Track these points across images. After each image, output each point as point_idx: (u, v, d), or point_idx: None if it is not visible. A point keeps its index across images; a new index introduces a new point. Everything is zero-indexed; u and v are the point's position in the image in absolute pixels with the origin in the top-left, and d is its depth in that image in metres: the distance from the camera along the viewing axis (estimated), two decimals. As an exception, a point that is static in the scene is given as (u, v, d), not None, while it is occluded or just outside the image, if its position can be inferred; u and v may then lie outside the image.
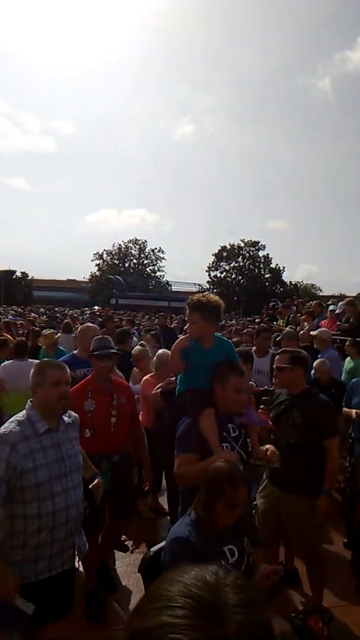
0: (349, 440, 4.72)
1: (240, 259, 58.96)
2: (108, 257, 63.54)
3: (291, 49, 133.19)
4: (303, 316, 9.55)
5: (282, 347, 4.58)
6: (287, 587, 3.64)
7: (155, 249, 64.25)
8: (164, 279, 62.74)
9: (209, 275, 59.35)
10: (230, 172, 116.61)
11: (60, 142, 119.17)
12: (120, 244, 64.21)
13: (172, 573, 0.64)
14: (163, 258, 64.03)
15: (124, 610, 3.42)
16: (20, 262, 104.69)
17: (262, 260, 58.55)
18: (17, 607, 2.06)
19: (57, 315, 20.90)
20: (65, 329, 10.01)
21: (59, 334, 9.09)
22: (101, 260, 62.96)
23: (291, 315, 10.54)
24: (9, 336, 8.46)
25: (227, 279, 58.60)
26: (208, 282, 58.18)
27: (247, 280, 57.23)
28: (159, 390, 4.42)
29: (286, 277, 59.21)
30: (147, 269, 64.11)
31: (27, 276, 60.65)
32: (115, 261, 63.37)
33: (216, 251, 59.67)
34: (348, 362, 6.49)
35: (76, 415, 2.73)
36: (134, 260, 64.60)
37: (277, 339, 6.94)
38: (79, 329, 4.60)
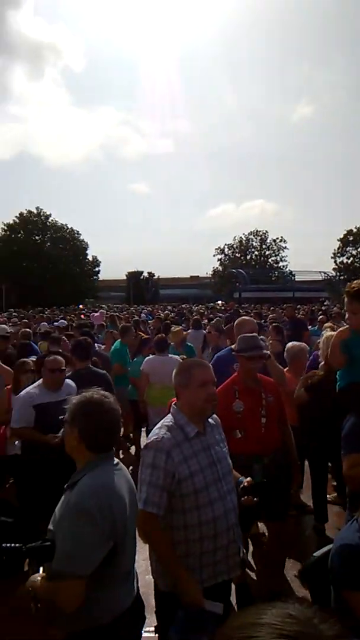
0: None
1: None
2: (229, 251, 63.80)
3: None
4: None
5: None
6: None
7: (277, 239, 63.00)
8: (287, 269, 61.13)
9: (335, 262, 56.47)
10: (353, 151, 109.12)
11: (177, 142, 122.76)
12: (241, 237, 64.07)
13: (244, 617, 0.59)
14: (285, 247, 62.55)
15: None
16: (146, 263, 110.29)
17: None
18: (206, 611, 2.03)
19: (184, 311, 21.37)
20: (195, 325, 10.07)
21: (187, 331, 9.18)
22: (223, 255, 63.42)
23: None
24: (143, 334, 8.73)
25: (355, 264, 55.07)
26: (334, 269, 55.38)
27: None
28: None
29: None
30: (270, 260, 63.04)
31: (154, 276, 63.50)
32: (237, 254, 63.35)
33: (341, 236, 56.46)
34: None
35: (215, 415, 2.57)
36: (256, 252, 63.98)
37: None
38: (235, 322, 4.45)
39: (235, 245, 63.88)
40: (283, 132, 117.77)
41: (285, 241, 62.38)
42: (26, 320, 14.79)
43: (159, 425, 2.35)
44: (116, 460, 2.01)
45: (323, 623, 0.57)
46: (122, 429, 6.33)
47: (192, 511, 2.17)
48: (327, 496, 4.47)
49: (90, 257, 63.11)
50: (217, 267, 61.92)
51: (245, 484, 2.47)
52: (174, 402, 2.43)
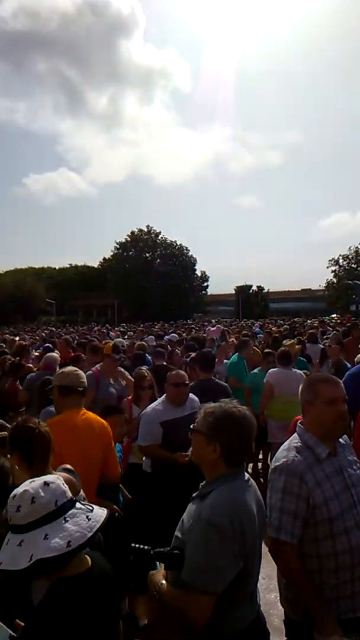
0: None
1: None
2: (344, 262, 60.76)
3: None
4: None
5: None
6: None
7: None
8: None
9: None
10: None
11: (287, 153, 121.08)
12: (357, 247, 60.73)
13: None
14: None
15: None
16: (254, 277, 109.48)
17: None
18: None
19: (297, 325, 20.72)
20: (311, 339, 9.70)
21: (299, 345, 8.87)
22: (337, 266, 60.58)
23: None
24: (256, 349, 8.61)
25: None
26: None
27: None
28: None
29: None
30: (389, 270, 58.84)
31: (263, 289, 62.80)
32: (353, 265, 60.12)
33: None
34: None
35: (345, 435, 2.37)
36: (374, 262, 60.13)
37: None
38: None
39: (350, 256, 60.71)
40: None
41: None
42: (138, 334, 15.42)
43: (285, 446, 2.23)
44: (246, 475, 1.94)
45: None
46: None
47: (326, 540, 2.02)
48: None
49: (198, 273, 64.45)
50: (330, 279, 59.37)
51: None
52: (299, 421, 2.30)
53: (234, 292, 62.76)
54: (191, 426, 1.97)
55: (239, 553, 1.71)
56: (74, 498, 1.41)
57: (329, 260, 60.88)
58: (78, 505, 1.38)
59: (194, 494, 1.91)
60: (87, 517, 1.35)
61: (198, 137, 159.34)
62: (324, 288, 59.59)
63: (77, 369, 3.19)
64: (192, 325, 24.77)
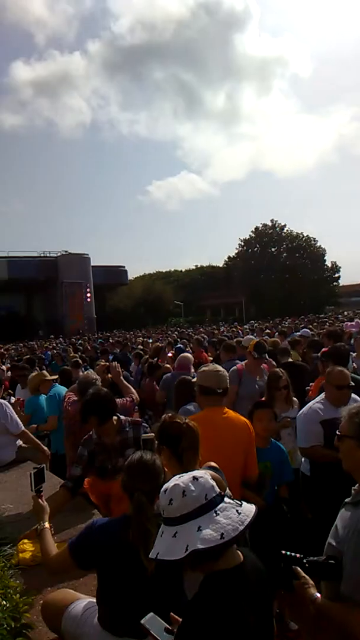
0: None
1: None
2: None
3: None
4: None
5: None
6: None
7: None
8: None
9: None
10: None
11: None
12: None
13: None
14: None
15: None
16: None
17: None
18: None
19: None
20: None
21: None
22: None
23: None
24: None
25: None
26: None
27: None
28: None
29: None
30: None
31: None
32: None
33: None
34: None
35: None
36: None
37: None
38: None
39: None
40: None
41: None
42: (268, 331, 15.23)
43: None
44: None
45: None
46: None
47: None
48: None
49: (329, 263, 61.62)
50: None
51: None
52: None
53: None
54: (337, 432, 1.89)
55: None
56: (222, 493, 1.43)
57: None
58: (227, 499, 1.40)
59: (346, 500, 1.82)
60: (237, 511, 1.37)
61: (320, 121, 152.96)
62: None
63: (219, 368, 3.23)
64: (325, 319, 23.76)
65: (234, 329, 20.76)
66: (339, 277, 62.43)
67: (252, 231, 63.96)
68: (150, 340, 16.77)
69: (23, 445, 5.07)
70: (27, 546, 2.94)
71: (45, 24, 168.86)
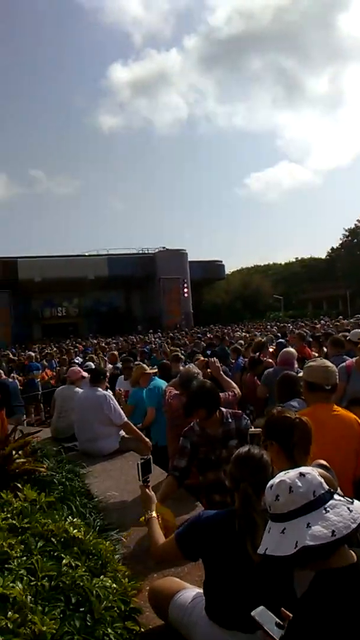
0: None
1: None
2: None
3: None
4: None
5: None
6: None
7: None
8: None
9: None
10: None
11: None
12: None
13: None
14: None
15: None
16: None
17: None
18: None
19: None
20: None
21: None
22: None
23: None
24: None
25: None
26: None
27: None
28: None
29: None
30: None
31: None
32: None
33: None
34: None
35: None
36: None
37: None
38: None
39: None
40: None
41: None
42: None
43: None
44: None
45: None
46: None
47: None
48: None
49: None
50: None
51: None
52: None
53: None
54: None
55: None
56: (332, 490, 1.39)
57: None
58: (337, 497, 1.36)
59: None
60: (348, 508, 1.32)
61: None
62: None
63: (328, 364, 3.13)
64: None
65: (337, 323, 19.91)
66: None
67: (357, 220, 60.97)
68: (248, 335, 16.65)
69: (126, 435, 5.30)
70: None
71: (141, 23, 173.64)
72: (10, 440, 3.63)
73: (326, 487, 1.37)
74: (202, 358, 7.54)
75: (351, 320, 23.54)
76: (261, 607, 1.48)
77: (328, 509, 1.31)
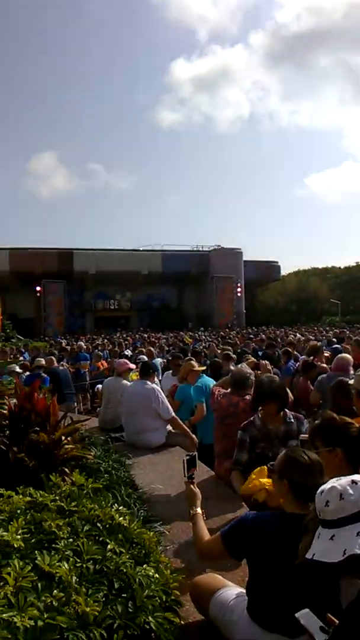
0: None
1: None
2: None
3: None
4: None
5: None
6: None
7: None
8: None
9: None
10: None
11: None
12: None
13: None
14: None
15: None
16: None
17: None
18: None
19: None
20: None
21: None
22: None
23: None
24: None
25: None
26: None
27: None
28: None
29: None
30: None
31: None
32: None
33: None
34: None
35: None
36: None
37: None
38: None
39: None
40: None
41: None
42: None
43: None
44: None
45: None
46: None
47: None
48: None
49: None
50: None
51: None
52: None
53: None
54: None
55: None
56: None
57: None
58: None
59: None
60: None
61: None
62: None
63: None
64: None
65: None
66: None
67: None
68: (302, 338, 16.33)
69: (172, 430, 5.35)
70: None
71: (207, 19, 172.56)
72: (60, 426, 3.74)
73: None
74: (251, 359, 7.48)
75: None
76: (306, 610, 1.48)
77: None
